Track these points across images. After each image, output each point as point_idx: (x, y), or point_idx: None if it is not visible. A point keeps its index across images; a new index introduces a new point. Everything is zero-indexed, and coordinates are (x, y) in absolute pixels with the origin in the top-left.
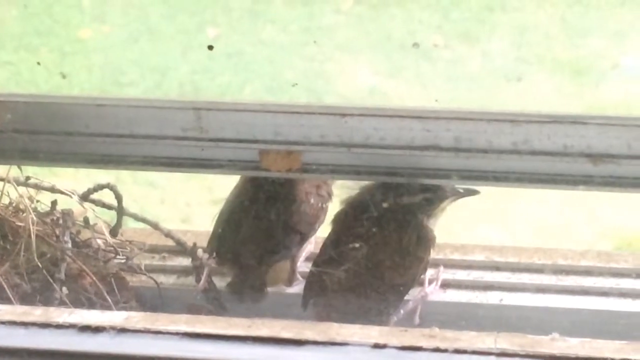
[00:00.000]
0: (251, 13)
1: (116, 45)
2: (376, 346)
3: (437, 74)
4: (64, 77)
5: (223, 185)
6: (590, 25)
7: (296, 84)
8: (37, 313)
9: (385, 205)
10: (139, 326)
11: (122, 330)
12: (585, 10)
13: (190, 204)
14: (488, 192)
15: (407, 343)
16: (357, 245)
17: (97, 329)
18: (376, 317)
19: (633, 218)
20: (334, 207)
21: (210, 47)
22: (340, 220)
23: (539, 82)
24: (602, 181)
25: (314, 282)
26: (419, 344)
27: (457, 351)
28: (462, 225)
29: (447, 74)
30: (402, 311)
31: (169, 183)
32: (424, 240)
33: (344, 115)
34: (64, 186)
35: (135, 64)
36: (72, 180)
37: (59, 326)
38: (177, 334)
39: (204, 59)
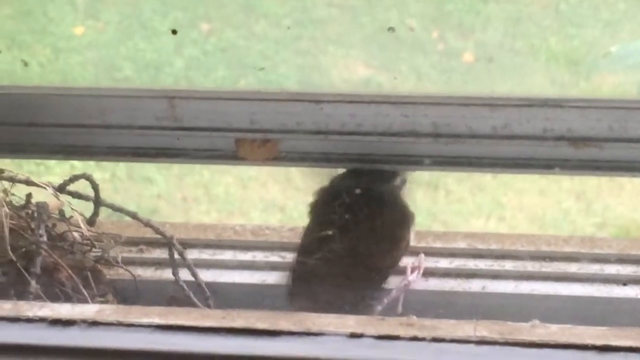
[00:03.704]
0: (244, 7)
1: (110, 41)
2: (353, 336)
3: (432, 66)
4: (25, 64)
5: (219, 181)
6: (584, 15)
7: (263, 68)
8: (6, 307)
9: (357, 191)
10: (111, 319)
11: (94, 324)
12: (579, 0)
13: (187, 199)
14: (483, 184)
15: (384, 332)
16: (329, 232)
17: (67, 323)
18: (362, 304)
19: (631, 207)
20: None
21: (174, 32)
22: (314, 210)
23: (533, 72)
24: (583, 165)
25: (296, 272)
26: (396, 333)
27: (435, 339)
28: (457, 218)
29: (441, 65)
30: (385, 300)
31: (165, 179)
32: (403, 219)
33: (319, 102)
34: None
35: (129, 60)
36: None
37: (29, 320)
38: (149, 326)
39: (198, 54)
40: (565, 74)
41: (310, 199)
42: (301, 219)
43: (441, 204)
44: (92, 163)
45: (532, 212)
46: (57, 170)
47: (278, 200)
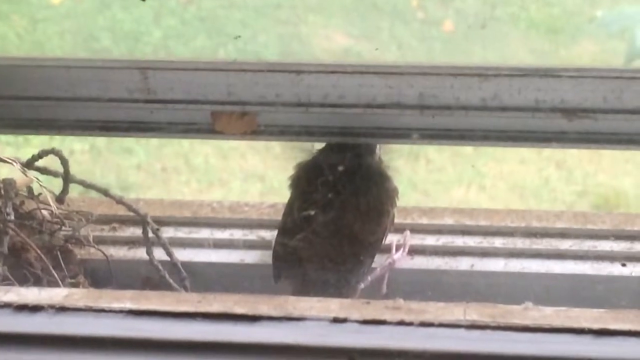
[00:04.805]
0: None
1: (88, 11)
2: (336, 320)
3: (412, 35)
4: None
5: (198, 151)
6: None
7: (239, 36)
8: None
9: (340, 168)
10: (80, 304)
11: (62, 309)
12: None
13: (166, 170)
14: (463, 154)
15: (369, 316)
16: (311, 212)
17: (34, 308)
18: (349, 283)
19: (611, 175)
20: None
21: None
22: (295, 186)
23: (513, 40)
24: (577, 137)
25: (280, 253)
26: (382, 317)
27: (424, 324)
28: (438, 188)
29: (422, 34)
30: (369, 278)
31: (145, 149)
32: (388, 192)
33: (299, 72)
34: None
35: (108, 30)
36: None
37: None
38: (121, 311)
39: (177, 23)
40: (545, 43)
41: (290, 168)
42: (281, 188)
43: (422, 173)
44: None
45: (512, 180)
46: (35, 142)
47: (258, 170)
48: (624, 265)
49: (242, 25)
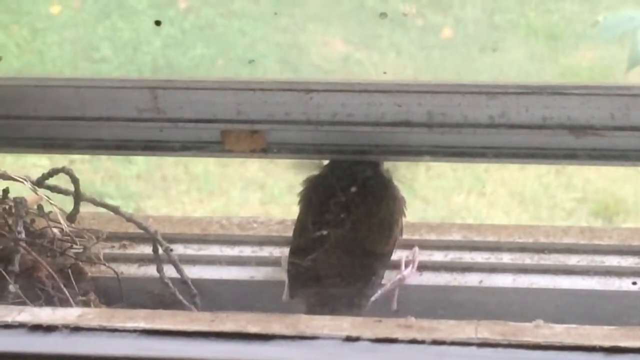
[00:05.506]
0: None
1: (87, 20)
2: (348, 339)
3: (411, 42)
4: None
5: (198, 160)
6: None
7: (253, 60)
8: None
9: (353, 189)
10: (94, 324)
11: (76, 329)
12: None
13: (166, 178)
14: None
15: (381, 335)
16: (324, 232)
17: (48, 328)
18: (361, 295)
19: (611, 182)
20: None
21: (158, 23)
22: (306, 204)
23: (512, 47)
24: (584, 154)
25: (293, 273)
26: (394, 336)
27: (435, 342)
28: (438, 194)
29: (420, 42)
30: (379, 291)
31: (145, 158)
32: (397, 203)
33: (308, 91)
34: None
35: (107, 39)
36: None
37: (7, 326)
38: (135, 331)
39: (176, 32)
40: (544, 49)
41: (295, 179)
42: (282, 196)
43: (422, 179)
44: None
45: (512, 187)
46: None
47: (258, 178)
48: (634, 283)
49: (242, 33)
